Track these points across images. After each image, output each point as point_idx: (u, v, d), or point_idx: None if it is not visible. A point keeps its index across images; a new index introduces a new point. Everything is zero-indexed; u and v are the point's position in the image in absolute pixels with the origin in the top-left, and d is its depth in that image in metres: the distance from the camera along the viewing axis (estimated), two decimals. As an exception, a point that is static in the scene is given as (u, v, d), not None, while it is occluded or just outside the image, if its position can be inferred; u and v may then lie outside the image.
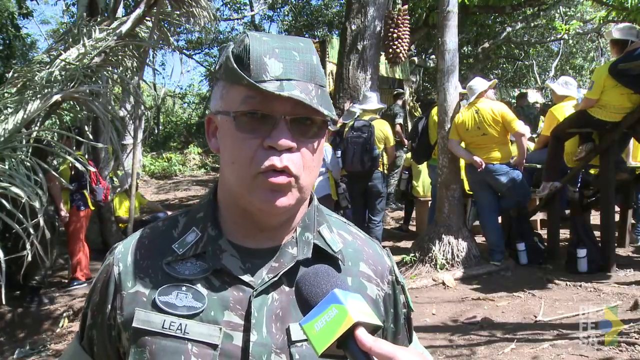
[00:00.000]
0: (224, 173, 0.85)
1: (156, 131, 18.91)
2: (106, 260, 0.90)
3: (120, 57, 4.17)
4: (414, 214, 7.72)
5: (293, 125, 0.77)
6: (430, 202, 6.50)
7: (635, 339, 3.24)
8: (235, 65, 0.76)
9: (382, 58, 8.41)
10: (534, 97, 15.48)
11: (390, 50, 7.66)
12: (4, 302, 2.64)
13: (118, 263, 0.86)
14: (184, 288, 0.81)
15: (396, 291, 0.93)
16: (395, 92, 9.61)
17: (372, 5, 7.36)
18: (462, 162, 5.50)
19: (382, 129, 5.73)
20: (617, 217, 5.49)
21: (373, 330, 0.65)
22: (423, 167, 6.91)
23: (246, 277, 0.82)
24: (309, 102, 0.75)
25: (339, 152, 5.69)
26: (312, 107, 0.75)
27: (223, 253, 0.83)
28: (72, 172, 5.28)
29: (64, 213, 5.19)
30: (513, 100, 15.93)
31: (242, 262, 0.83)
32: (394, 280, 0.94)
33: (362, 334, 0.62)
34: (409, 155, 7.70)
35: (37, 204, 2.98)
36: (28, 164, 3.17)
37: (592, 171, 5.43)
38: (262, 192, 0.78)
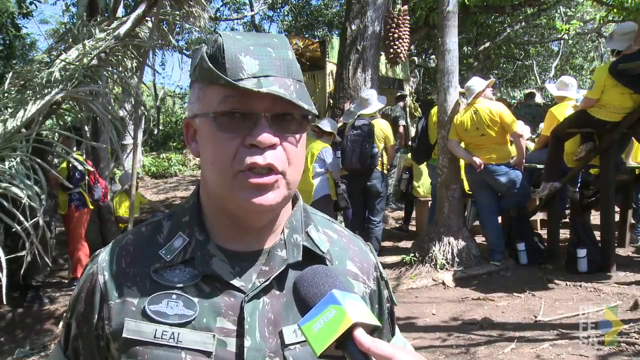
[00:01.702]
0: (205, 175, 0.83)
1: (156, 132, 18.93)
2: (89, 268, 0.87)
3: (120, 57, 4.17)
4: (414, 214, 7.72)
5: (274, 121, 0.76)
6: (430, 202, 6.50)
7: (635, 339, 3.24)
8: (211, 65, 0.75)
9: (382, 58, 8.40)
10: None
11: (391, 50, 7.66)
12: (4, 301, 2.64)
13: (103, 272, 0.84)
14: (174, 296, 0.80)
15: (380, 287, 0.94)
16: (399, 94, 9.58)
17: (372, 5, 7.36)
18: (462, 162, 5.51)
19: (382, 128, 5.73)
20: (617, 217, 5.49)
21: (371, 330, 0.65)
22: (424, 167, 6.91)
23: (237, 282, 0.80)
24: (288, 97, 0.73)
25: (339, 152, 5.68)
26: (291, 102, 0.75)
27: (212, 258, 0.81)
28: (69, 172, 5.29)
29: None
30: (514, 101, 15.94)
31: (231, 266, 0.81)
32: (379, 276, 0.94)
33: (360, 334, 0.62)
34: (409, 155, 7.70)
35: (36, 204, 2.98)
36: (28, 163, 3.17)
37: (592, 171, 5.43)
38: (243, 191, 0.77)
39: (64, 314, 0.91)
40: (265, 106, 0.75)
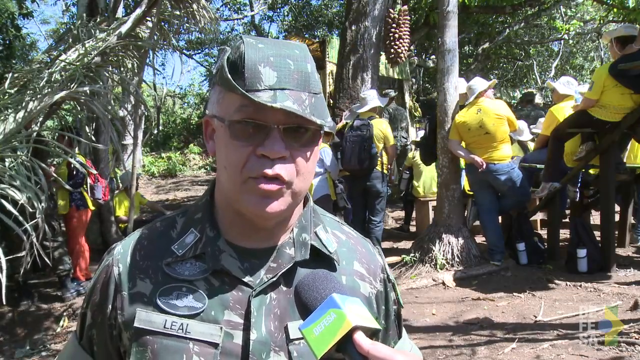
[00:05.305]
0: (219, 175, 0.86)
1: (156, 131, 18.92)
2: (105, 260, 0.91)
3: (120, 57, 4.17)
4: (414, 214, 7.72)
5: (286, 133, 0.78)
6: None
7: (635, 339, 3.24)
8: (229, 76, 0.77)
9: (382, 58, 8.39)
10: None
11: (392, 50, 7.66)
12: (4, 302, 2.64)
13: (118, 264, 0.87)
14: (184, 289, 0.83)
15: (387, 289, 0.96)
16: (389, 94, 9.29)
17: (373, 5, 7.35)
18: (462, 162, 5.51)
19: (381, 128, 5.72)
20: (617, 217, 5.49)
21: (372, 333, 0.66)
22: (424, 167, 6.90)
23: (245, 277, 0.83)
24: (301, 113, 0.75)
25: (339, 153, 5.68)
26: (304, 117, 0.76)
27: (222, 254, 0.84)
28: (68, 172, 5.29)
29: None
30: (514, 101, 15.93)
31: (240, 262, 0.84)
32: (386, 278, 0.96)
33: (360, 337, 0.63)
34: (410, 155, 7.70)
35: (37, 205, 2.97)
36: (28, 164, 3.17)
37: (592, 171, 5.43)
38: (252, 197, 0.79)
39: (82, 305, 0.94)
40: (278, 119, 0.77)
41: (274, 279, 0.83)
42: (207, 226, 0.87)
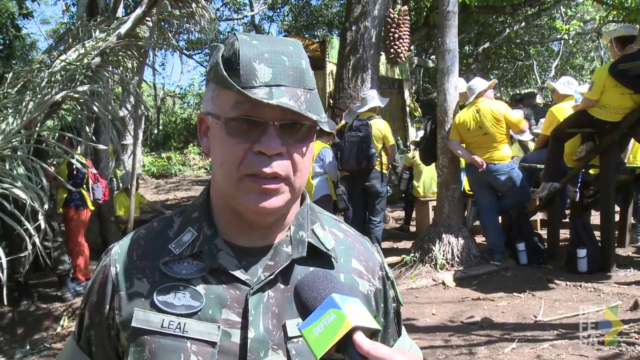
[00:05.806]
0: (214, 173, 0.86)
1: (155, 131, 18.94)
2: (102, 261, 0.91)
3: (120, 57, 4.17)
4: (414, 214, 7.72)
5: (282, 129, 0.78)
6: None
7: (635, 339, 3.24)
8: (224, 73, 0.77)
9: (382, 58, 8.39)
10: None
11: (392, 50, 7.66)
12: (5, 302, 2.64)
13: (115, 264, 0.87)
14: (181, 287, 0.83)
15: (386, 286, 0.95)
16: None
17: (373, 5, 7.35)
18: (462, 162, 5.50)
19: (380, 128, 5.72)
20: (617, 217, 5.49)
21: (372, 334, 0.66)
22: (424, 167, 6.90)
23: (242, 276, 0.83)
24: (297, 109, 0.75)
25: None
26: (300, 114, 0.76)
27: (219, 252, 0.84)
28: (68, 172, 5.29)
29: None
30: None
31: (237, 260, 0.84)
32: (384, 275, 0.95)
33: (360, 338, 0.63)
34: (410, 154, 7.70)
35: (38, 205, 2.97)
36: (29, 165, 3.17)
37: (592, 171, 5.43)
38: (249, 194, 0.79)
39: (80, 306, 0.94)
40: (274, 115, 0.77)
41: (271, 277, 0.83)
42: (204, 225, 0.87)
